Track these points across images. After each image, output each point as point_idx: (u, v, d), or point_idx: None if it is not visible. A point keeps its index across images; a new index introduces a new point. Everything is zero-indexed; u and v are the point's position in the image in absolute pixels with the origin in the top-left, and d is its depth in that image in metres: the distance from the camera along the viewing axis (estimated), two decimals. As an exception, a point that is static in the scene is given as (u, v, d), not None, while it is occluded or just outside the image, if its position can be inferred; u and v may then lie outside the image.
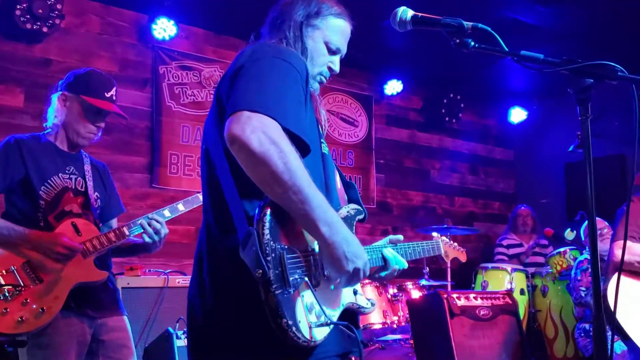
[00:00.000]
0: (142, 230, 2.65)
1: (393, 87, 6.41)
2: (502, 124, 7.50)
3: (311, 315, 1.49)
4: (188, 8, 4.94)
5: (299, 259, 1.51)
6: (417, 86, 6.75)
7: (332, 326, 1.54)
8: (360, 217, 1.80)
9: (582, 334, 4.62)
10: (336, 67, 1.87)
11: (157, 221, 2.66)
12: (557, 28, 5.19)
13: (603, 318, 1.54)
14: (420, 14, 1.72)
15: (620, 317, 2.84)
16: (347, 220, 1.73)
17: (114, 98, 2.69)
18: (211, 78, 5.29)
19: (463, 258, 2.68)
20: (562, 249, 5.48)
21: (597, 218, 4.59)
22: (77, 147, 2.70)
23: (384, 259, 1.85)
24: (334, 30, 1.83)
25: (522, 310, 5.07)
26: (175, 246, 4.80)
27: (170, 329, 3.22)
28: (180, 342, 3.16)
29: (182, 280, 3.78)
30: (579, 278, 4.53)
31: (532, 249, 6.11)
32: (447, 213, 6.81)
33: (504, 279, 5.36)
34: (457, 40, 1.66)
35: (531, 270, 5.64)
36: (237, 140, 1.42)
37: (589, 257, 1.74)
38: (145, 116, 4.97)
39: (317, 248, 1.55)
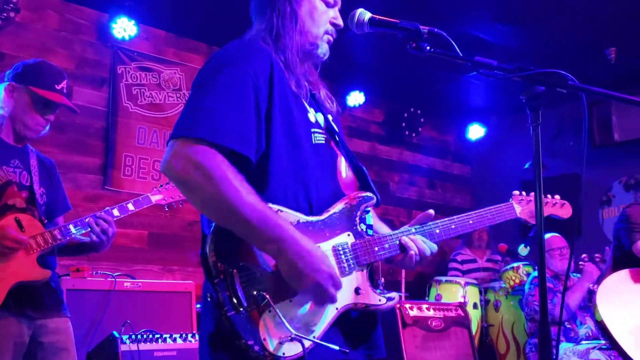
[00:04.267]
0: (90, 229, 2.57)
1: (355, 98, 6.42)
2: (460, 140, 7.61)
3: (280, 331, 1.42)
4: (149, 9, 4.86)
5: (257, 274, 1.44)
6: (379, 99, 6.79)
7: (320, 338, 1.47)
8: (370, 202, 1.68)
9: (533, 349, 4.67)
10: (340, 21, 1.75)
11: (105, 220, 2.59)
12: (514, 46, 5.32)
13: (548, 325, 1.55)
14: (377, 17, 1.73)
15: (608, 321, 3.00)
16: (346, 212, 1.62)
17: (65, 91, 2.62)
18: (170, 80, 5.22)
19: (565, 212, 2.18)
20: (515, 264, 5.55)
21: (558, 236, 4.76)
22: (23, 140, 2.60)
23: (401, 246, 1.72)
24: None
25: (474, 325, 5.11)
26: (126, 250, 4.69)
27: (115, 333, 3.11)
28: (125, 346, 3.06)
29: (130, 284, 3.68)
30: (532, 293, 4.59)
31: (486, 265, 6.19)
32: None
33: (457, 293, 5.39)
34: (413, 45, 1.67)
35: (484, 284, 5.70)
36: (166, 172, 1.42)
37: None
38: (101, 116, 4.85)
39: None
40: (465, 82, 6.22)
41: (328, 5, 1.72)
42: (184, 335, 3.32)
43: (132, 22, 4.81)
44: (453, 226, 1.83)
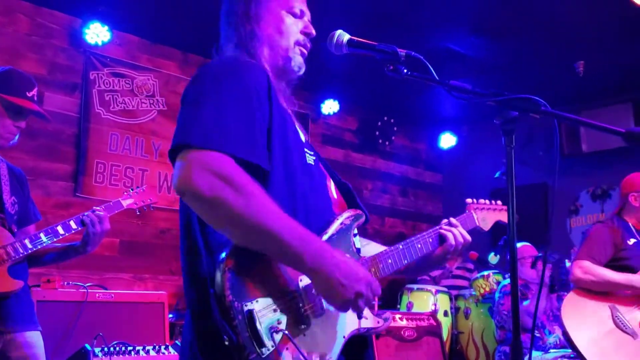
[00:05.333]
0: (88, 222, 2.54)
1: (330, 106, 6.46)
2: (432, 148, 7.71)
3: None
4: (123, 14, 4.82)
5: (277, 309, 1.35)
6: (353, 107, 6.84)
7: None
8: (360, 221, 1.66)
9: (503, 357, 4.75)
10: (312, 29, 1.71)
11: (98, 215, 2.57)
12: (488, 59, 5.40)
13: (520, 337, 1.58)
14: (356, 39, 1.75)
15: (573, 333, 3.05)
16: (343, 233, 1.58)
17: (35, 98, 2.58)
18: (144, 87, 5.17)
19: (504, 217, 2.21)
20: (485, 273, 5.63)
21: (529, 245, 4.82)
22: None
23: (440, 237, 1.80)
24: None
25: (445, 332, 5.17)
26: (97, 258, 4.62)
27: (88, 346, 3.07)
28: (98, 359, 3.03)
29: (103, 295, 3.63)
30: (502, 302, 4.66)
31: (451, 272, 6.25)
32: (377, 233, 6.90)
33: (428, 300, 5.45)
34: (391, 67, 1.69)
35: (454, 292, 5.76)
36: (186, 189, 1.28)
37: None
38: (72, 122, 4.78)
39: (300, 284, 1.41)
40: (437, 92, 6.29)
41: (295, 16, 1.68)
42: (157, 347, 3.29)
43: (106, 27, 4.76)
44: (431, 240, 1.85)
